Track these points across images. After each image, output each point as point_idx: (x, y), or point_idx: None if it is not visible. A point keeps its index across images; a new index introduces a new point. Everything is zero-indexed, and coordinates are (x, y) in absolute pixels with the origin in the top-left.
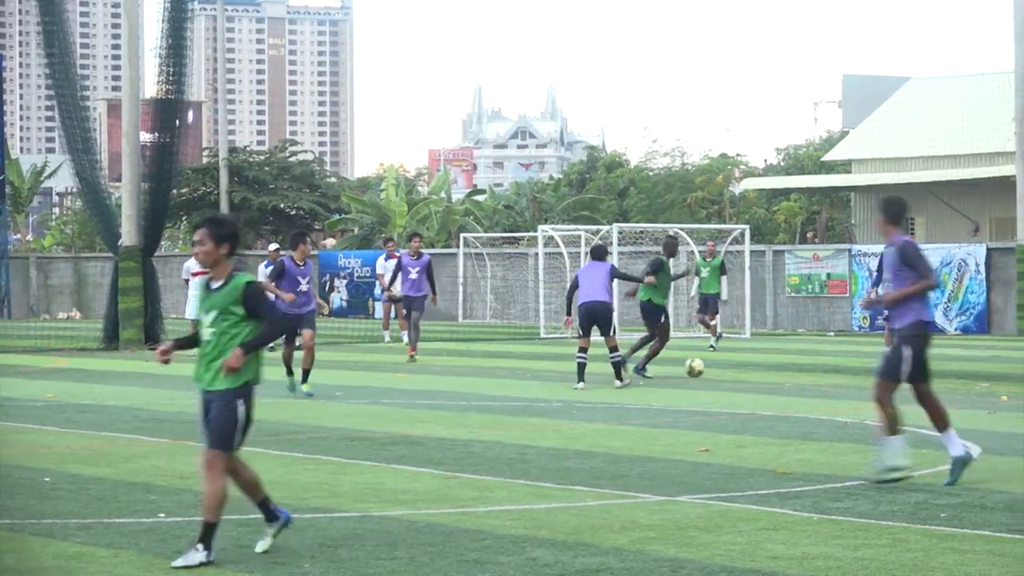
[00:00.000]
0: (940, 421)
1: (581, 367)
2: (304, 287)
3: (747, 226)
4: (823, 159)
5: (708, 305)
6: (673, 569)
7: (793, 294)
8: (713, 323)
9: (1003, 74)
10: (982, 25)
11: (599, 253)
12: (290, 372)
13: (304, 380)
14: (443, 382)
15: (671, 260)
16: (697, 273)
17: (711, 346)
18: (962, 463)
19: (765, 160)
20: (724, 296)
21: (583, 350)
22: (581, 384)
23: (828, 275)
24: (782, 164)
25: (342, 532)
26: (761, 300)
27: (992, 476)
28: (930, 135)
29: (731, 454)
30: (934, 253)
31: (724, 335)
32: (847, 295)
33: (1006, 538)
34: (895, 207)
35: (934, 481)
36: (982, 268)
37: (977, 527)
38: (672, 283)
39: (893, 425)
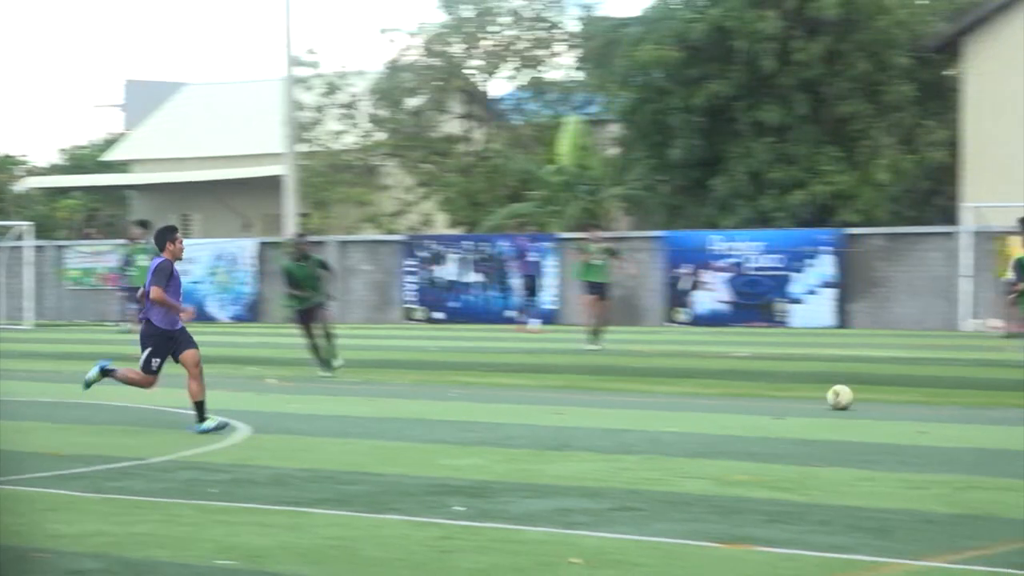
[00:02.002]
0: None
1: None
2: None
3: (31, 223)
4: (103, 159)
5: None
6: None
7: (74, 287)
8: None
9: (273, 81)
10: (254, 34)
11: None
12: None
13: (202, 415)
14: None
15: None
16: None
17: None
18: None
19: (48, 160)
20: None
21: None
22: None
23: (107, 269)
24: (65, 164)
25: None
26: (43, 293)
27: (260, 453)
28: (206, 137)
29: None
30: (209, 247)
31: (3, 327)
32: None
33: (272, 510)
34: None
35: (205, 460)
36: (253, 261)
37: (246, 500)
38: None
39: None
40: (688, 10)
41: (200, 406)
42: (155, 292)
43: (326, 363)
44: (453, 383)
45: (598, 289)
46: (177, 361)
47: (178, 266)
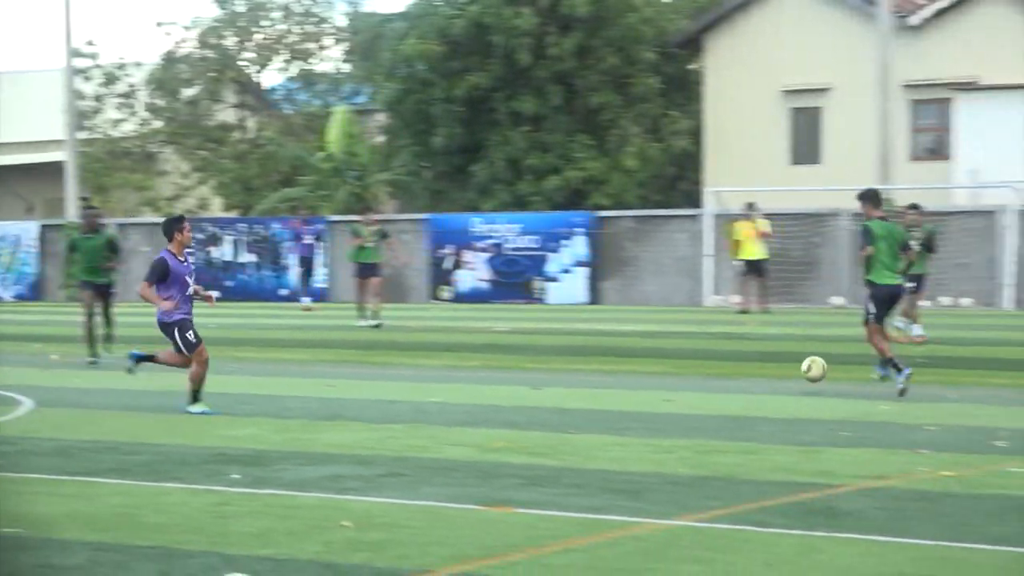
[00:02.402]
0: None
1: None
2: (192, 288)
3: None
4: None
5: None
6: None
7: None
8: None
9: (54, 71)
10: (35, 26)
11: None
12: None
13: (196, 399)
14: None
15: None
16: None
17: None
18: None
19: None
20: None
21: None
22: None
23: None
24: None
25: None
26: None
27: (45, 426)
28: None
29: None
30: None
31: None
32: None
33: (58, 480)
34: None
35: None
36: (36, 243)
37: (32, 471)
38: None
39: None
40: (449, 7)
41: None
42: (141, 287)
43: (108, 338)
44: (230, 358)
45: (370, 270)
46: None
47: None
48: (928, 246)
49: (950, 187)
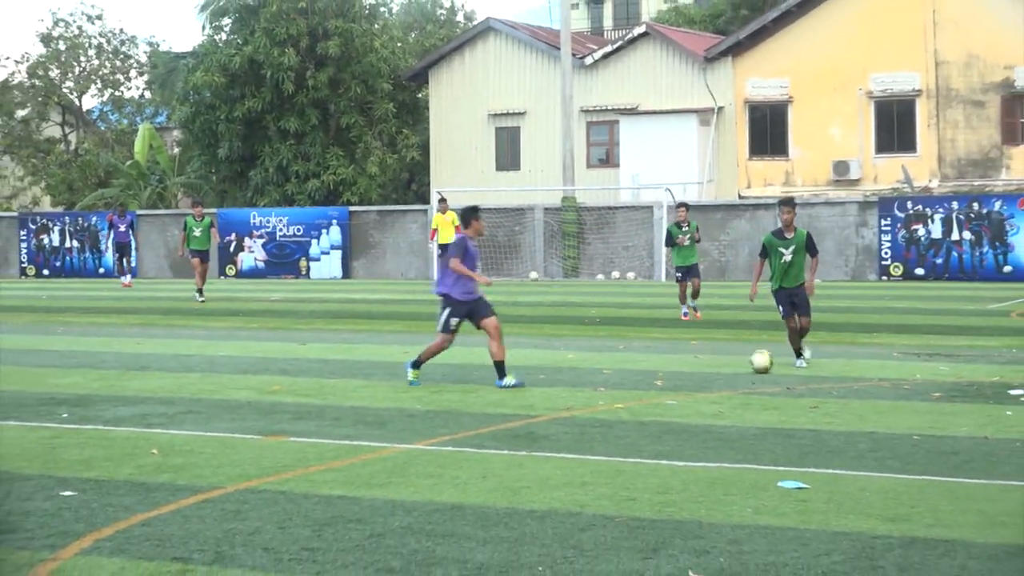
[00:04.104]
0: None
1: None
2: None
3: None
4: None
5: None
6: None
7: None
8: None
9: None
10: None
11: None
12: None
13: (504, 373)
14: None
15: None
16: None
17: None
18: None
19: None
20: None
21: None
22: None
23: None
24: None
25: None
26: None
27: None
28: None
29: None
30: None
31: None
32: None
33: None
34: None
35: None
36: None
37: None
38: None
39: None
40: (229, 47)
41: (501, 365)
42: (452, 263)
43: None
44: (59, 323)
45: (202, 254)
46: (478, 327)
47: None
48: (695, 238)
49: (618, 188)
